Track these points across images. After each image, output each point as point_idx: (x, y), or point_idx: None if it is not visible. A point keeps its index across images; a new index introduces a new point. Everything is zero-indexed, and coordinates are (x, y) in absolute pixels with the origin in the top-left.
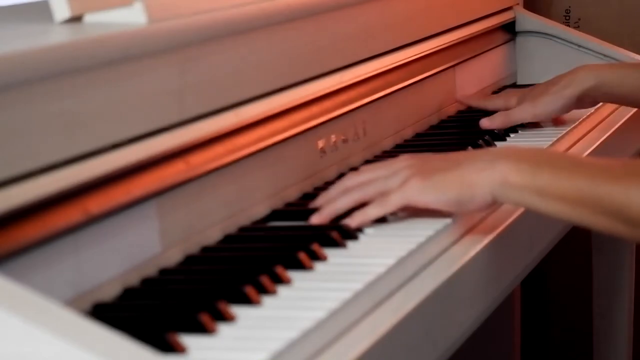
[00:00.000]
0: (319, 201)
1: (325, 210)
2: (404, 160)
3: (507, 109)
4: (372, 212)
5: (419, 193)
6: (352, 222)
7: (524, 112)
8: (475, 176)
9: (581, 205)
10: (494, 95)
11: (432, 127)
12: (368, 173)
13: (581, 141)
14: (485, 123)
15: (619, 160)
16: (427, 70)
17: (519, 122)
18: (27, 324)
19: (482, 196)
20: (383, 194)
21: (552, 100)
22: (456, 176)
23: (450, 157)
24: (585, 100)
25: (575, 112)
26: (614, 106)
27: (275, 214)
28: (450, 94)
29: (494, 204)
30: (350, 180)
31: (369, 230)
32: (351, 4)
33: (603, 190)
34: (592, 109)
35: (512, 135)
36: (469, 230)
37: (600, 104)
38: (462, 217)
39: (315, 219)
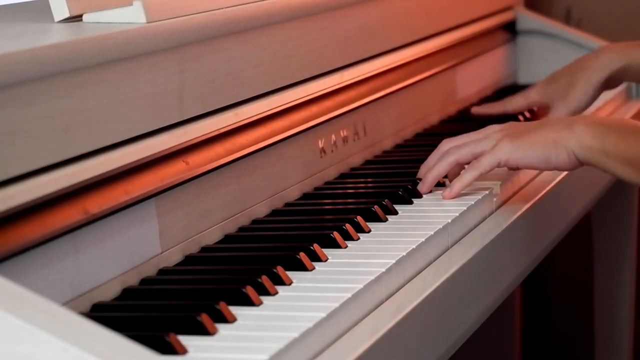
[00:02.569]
0: (420, 171)
1: (428, 178)
2: (493, 127)
3: (529, 107)
4: (468, 176)
5: (510, 153)
6: (451, 191)
7: (560, 114)
8: (558, 135)
9: (639, 166)
10: (511, 97)
11: (432, 127)
12: (461, 138)
13: None
14: None
15: None
16: (427, 70)
17: None
18: (27, 324)
19: (566, 154)
20: (476, 158)
21: (584, 92)
22: (542, 135)
23: (534, 121)
24: (611, 82)
25: None
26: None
27: (275, 214)
28: (450, 94)
29: (580, 164)
30: (445, 145)
31: (369, 230)
32: (351, 4)
33: None
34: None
35: None
36: (468, 231)
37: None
38: (461, 218)
39: (423, 188)
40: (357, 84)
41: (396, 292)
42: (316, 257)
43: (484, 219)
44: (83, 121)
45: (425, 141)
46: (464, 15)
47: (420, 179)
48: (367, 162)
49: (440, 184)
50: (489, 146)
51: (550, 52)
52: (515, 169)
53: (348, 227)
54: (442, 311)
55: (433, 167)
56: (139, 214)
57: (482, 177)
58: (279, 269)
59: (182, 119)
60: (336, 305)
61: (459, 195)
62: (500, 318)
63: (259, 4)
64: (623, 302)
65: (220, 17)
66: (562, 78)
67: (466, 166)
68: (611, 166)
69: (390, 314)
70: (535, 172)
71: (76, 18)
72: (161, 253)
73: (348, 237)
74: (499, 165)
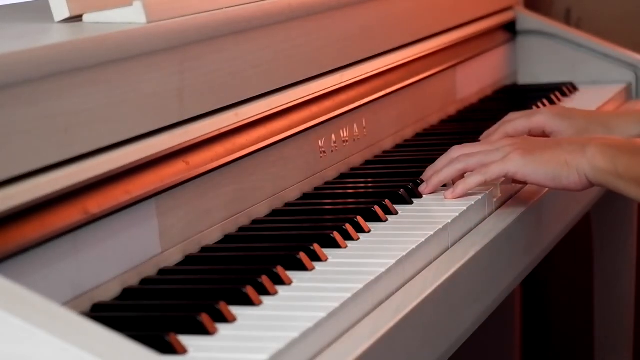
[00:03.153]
0: (426, 173)
1: (432, 181)
2: (506, 140)
3: (530, 130)
4: (473, 180)
5: (520, 166)
6: (454, 192)
7: None
8: (570, 157)
9: None
10: (513, 114)
11: (432, 127)
12: (472, 147)
13: None
14: None
15: None
16: (427, 70)
17: None
18: (27, 324)
19: (576, 175)
20: (484, 165)
21: None
22: (554, 155)
23: (547, 139)
24: None
25: None
26: None
27: (275, 214)
28: (450, 94)
29: (591, 185)
30: (455, 152)
31: (369, 230)
32: (351, 4)
33: None
34: None
35: None
36: (468, 231)
37: None
38: (461, 218)
39: (425, 189)
40: (357, 83)
41: (396, 292)
42: (316, 257)
43: (484, 219)
44: (83, 121)
45: (425, 141)
46: (464, 15)
47: (421, 180)
48: (367, 162)
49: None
50: (499, 158)
51: (550, 52)
52: (521, 183)
53: (348, 227)
54: (442, 311)
55: (440, 172)
56: (139, 214)
57: (485, 183)
58: (279, 269)
59: (182, 119)
60: (336, 305)
61: (461, 197)
62: (500, 318)
63: (259, 4)
64: (623, 303)
65: (220, 17)
66: (577, 119)
67: None
68: (623, 187)
69: (390, 314)
70: None
71: (76, 18)
72: (161, 253)
73: (348, 237)
74: (506, 177)
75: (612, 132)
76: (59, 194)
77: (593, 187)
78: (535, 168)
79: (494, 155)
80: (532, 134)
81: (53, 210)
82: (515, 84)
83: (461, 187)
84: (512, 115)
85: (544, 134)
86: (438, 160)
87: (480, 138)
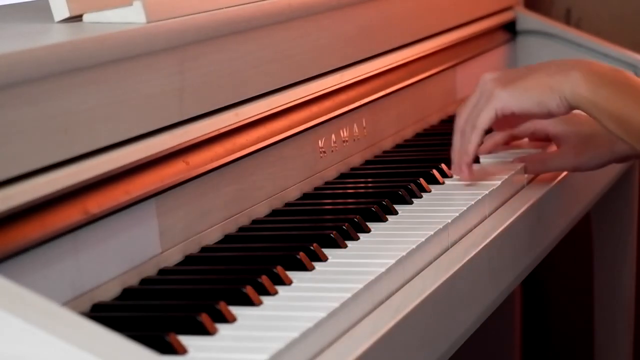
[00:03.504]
0: (452, 156)
1: (462, 164)
2: (486, 77)
3: (533, 134)
4: (473, 138)
5: (505, 100)
6: (462, 171)
7: (564, 162)
8: (552, 79)
9: (620, 123)
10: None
11: (432, 127)
12: (465, 106)
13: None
14: (530, 168)
15: None
16: (428, 70)
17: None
18: (27, 324)
19: (559, 98)
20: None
21: (599, 156)
22: (536, 80)
23: (528, 66)
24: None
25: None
26: None
27: (275, 214)
28: (450, 94)
29: (571, 109)
30: (459, 119)
31: (369, 230)
32: (351, 4)
33: (638, 113)
34: None
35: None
36: (468, 231)
37: None
38: (461, 218)
39: (461, 175)
40: (357, 84)
41: (396, 292)
42: (316, 257)
43: (484, 219)
44: (83, 121)
45: (425, 141)
46: (464, 15)
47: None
48: (367, 162)
49: (438, 183)
50: (483, 102)
51: (550, 52)
52: (514, 119)
53: (348, 227)
54: (442, 311)
55: (460, 150)
56: (139, 214)
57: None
58: (279, 269)
59: (182, 119)
60: (336, 305)
61: (492, 151)
62: (500, 318)
63: (259, 4)
64: (623, 302)
65: (220, 17)
66: (584, 126)
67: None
68: (598, 117)
69: (390, 314)
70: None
71: (76, 18)
72: (161, 253)
73: (348, 237)
74: (496, 115)
75: (598, 150)
76: (59, 194)
77: (572, 110)
78: (520, 96)
79: (481, 103)
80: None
81: (53, 210)
82: None
83: (465, 160)
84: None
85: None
86: (454, 137)
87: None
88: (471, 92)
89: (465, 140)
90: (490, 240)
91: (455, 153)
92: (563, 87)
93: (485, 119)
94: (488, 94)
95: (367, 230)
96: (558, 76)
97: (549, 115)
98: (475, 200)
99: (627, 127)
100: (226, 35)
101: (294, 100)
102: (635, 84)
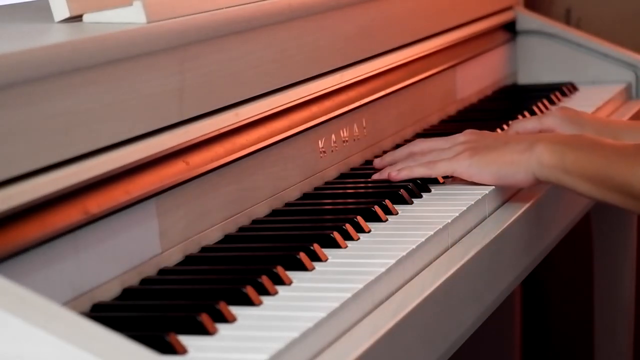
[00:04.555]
0: (385, 160)
1: (385, 171)
2: (463, 136)
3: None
4: (419, 170)
5: (464, 167)
6: (398, 174)
7: None
8: (517, 156)
9: (598, 183)
10: (524, 119)
11: (432, 127)
12: (432, 142)
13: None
14: None
15: (637, 143)
16: (427, 70)
17: None
18: (27, 324)
19: (523, 174)
20: (434, 161)
21: None
22: (499, 154)
23: (501, 137)
24: None
25: None
26: None
27: (275, 214)
28: (450, 94)
29: (538, 183)
30: (417, 146)
31: (369, 231)
32: (351, 4)
33: (614, 168)
34: None
35: None
36: (468, 231)
37: None
38: (461, 218)
39: (378, 176)
40: (357, 84)
41: (396, 292)
42: (316, 257)
43: (484, 219)
44: (83, 121)
45: None
46: (464, 15)
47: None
48: (367, 162)
49: (438, 183)
50: (449, 156)
51: (550, 52)
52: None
53: (348, 227)
54: (442, 311)
55: (396, 165)
56: (139, 214)
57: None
58: (279, 269)
59: (182, 119)
60: (336, 305)
61: (400, 181)
62: (500, 318)
63: (259, 4)
64: (623, 302)
65: (220, 17)
66: (588, 127)
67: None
68: (571, 183)
69: (390, 314)
70: None
71: (76, 18)
72: (161, 253)
73: (348, 237)
74: (450, 174)
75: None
76: (59, 194)
77: (540, 184)
78: (480, 169)
79: (446, 153)
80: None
81: (53, 210)
82: (515, 84)
83: (406, 172)
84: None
85: None
86: (399, 149)
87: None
88: (471, 93)
89: (412, 162)
90: (490, 240)
91: (390, 159)
92: (529, 162)
93: (440, 171)
94: (455, 153)
95: (367, 231)
96: (524, 153)
97: (508, 186)
98: (475, 200)
99: (608, 184)
100: (226, 35)
101: (294, 100)
102: (600, 143)
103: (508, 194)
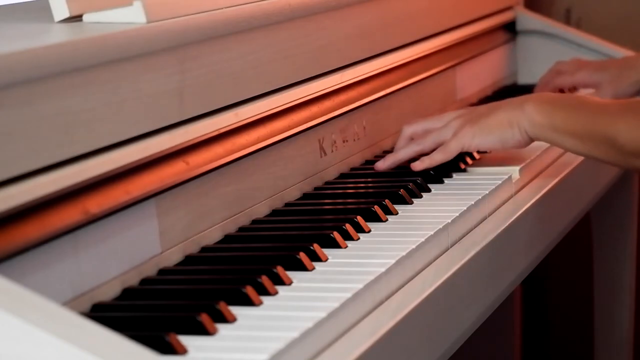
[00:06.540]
0: (387, 161)
1: (389, 159)
2: (452, 113)
3: (573, 84)
4: (438, 157)
5: (471, 138)
6: (420, 165)
7: (606, 96)
8: (511, 115)
9: (584, 138)
10: (553, 75)
11: None
12: (424, 123)
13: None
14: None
15: (621, 100)
16: (427, 70)
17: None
18: (27, 324)
19: (519, 134)
20: (443, 143)
21: (633, 83)
22: (497, 118)
23: (490, 104)
24: None
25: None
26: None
27: (275, 214)
28: (450, 94)
29: (531, 141)
30: (407, 130)
31: (369, 231)
32: (351, 4)
33: (598, 123)
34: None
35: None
36: (468, 231)
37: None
38: (461, 218)
39: (381, 165)
40: (357, 84)
41: (396, 292)
42: (316, 257)
43: (484, 219)
44: (83, 121)
45: None
46: (464, 15)
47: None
48: (367, 162)
49: (439, 182)
50: (450, 134)
51: (550, 52)
52: (481, 152)
53: (348, 227)
54: (442, 311)
55: (397, 151)
56: (139, 214)
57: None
58: (279, 269)
59: (182, 119)
60: (336, 305)
61: (422, 169)
62: (500, 318)
63: (259, 4)
64: (623, 302)
65: (220, 17)
66: (611, 68)
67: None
68: (560, 140)
69: (390, 314)
70: (536, 173)
71: (76, 18)
72: (161, 253)
73: (348, 237)
74: (462, 150)
75: (627, 74)
76: (59, 194)
77: (532, 142)
78: (485, 136)
79: (445, 132)
80: (576, 88)
81: (53, 210)
82: (515, 84)
83: (428, 161)
84: (560, 66)
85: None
86: (397, 141)
87: (537, 84)
88: (471, 93)
89: (409, 153)
90: (490, 240)
91: (399, 153)
92: (521, 121)
93: (454, 150)
94: (455, 129)
95: (367, 231)
96: (516, 112)
97: (511, 148)
98: (475, 200)
99: (593, 139)
100: (226, 35)
101: (294, 100)
102: (586, 101)
103: (508, 194)
